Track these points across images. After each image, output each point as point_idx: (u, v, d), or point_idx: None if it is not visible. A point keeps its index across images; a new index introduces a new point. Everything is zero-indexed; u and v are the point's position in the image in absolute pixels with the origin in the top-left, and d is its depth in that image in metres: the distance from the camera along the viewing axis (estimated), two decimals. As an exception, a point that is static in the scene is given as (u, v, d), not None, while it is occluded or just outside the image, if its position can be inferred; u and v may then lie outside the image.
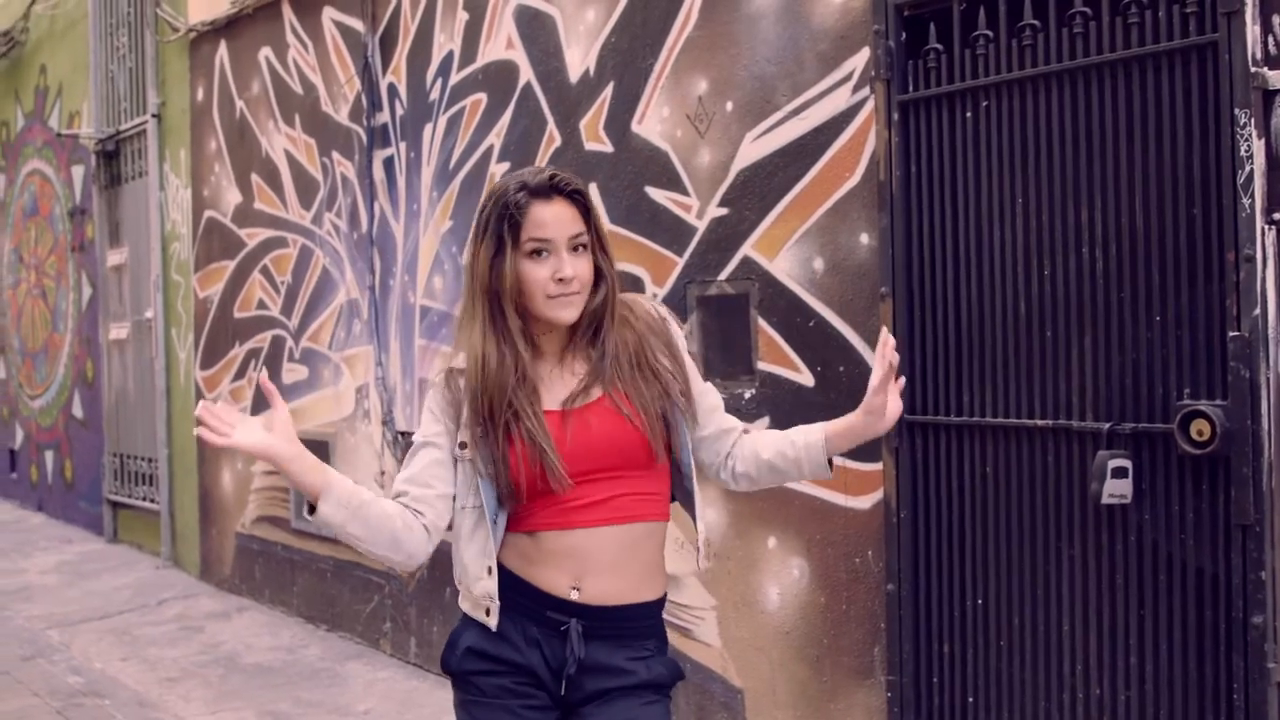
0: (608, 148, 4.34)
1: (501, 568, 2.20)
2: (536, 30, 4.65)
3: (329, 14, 5.92)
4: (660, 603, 2.28)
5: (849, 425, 2.25)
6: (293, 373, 6.35)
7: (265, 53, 6.49)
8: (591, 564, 2.17)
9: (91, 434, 8.97)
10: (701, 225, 3.99)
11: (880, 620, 3.44)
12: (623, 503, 2.18)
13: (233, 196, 6.85)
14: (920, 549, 3.32)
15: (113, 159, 8.45)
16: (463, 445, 2.19)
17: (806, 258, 3.64)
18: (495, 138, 4.87)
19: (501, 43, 4.83)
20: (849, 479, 3.53)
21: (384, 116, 5.57)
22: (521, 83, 4.73)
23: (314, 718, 4.84)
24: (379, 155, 5.61)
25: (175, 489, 7.71)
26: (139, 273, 8.10)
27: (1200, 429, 2.67)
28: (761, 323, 3.80)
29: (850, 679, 3.55)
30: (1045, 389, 3.02)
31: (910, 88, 3.29)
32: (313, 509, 2.09)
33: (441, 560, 5.06)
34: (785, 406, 3.72)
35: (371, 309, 5.66)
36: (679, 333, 2.31)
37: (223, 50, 6.92)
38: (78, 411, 9.28)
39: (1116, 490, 2.79)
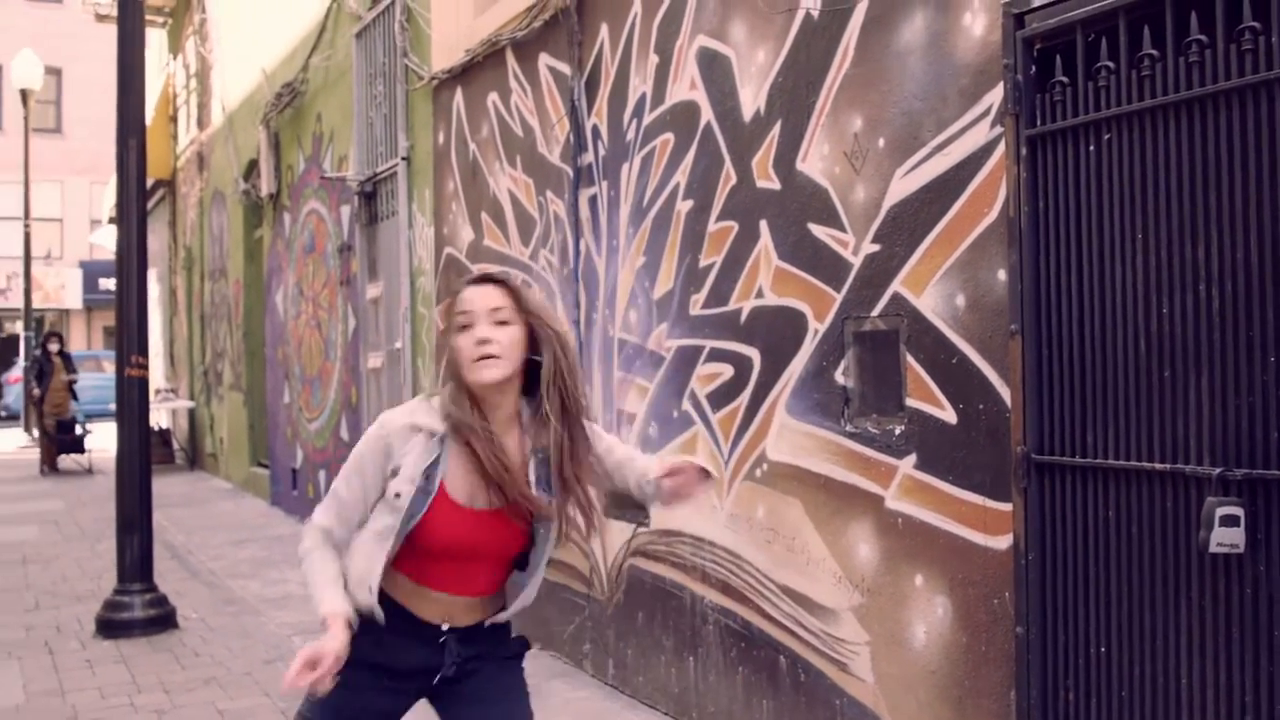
0: (776, 185, 4.41)
1: (383, 592, 2.62)
2: (715, 71, 4.77)
3: (544, 60, 6.20)
4: (502, 609, 2.75)
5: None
6: (515, 401, 6.64)
7: (493, 97, 6.84)
8: (458, 612, 2.66)
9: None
10: (857, 261, 4.01)
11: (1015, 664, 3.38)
12: (488, 580, 2.68)
13: (467, 234, 7.24)
14: (1048, 592, 3.24)
15: (371, 199, 9.05)
16: (398, 495, 2.58)
17: (950, 294, 3.61)
18: (681, 176, 5.01)
19: (686, 84, 4.97)
20: (988, 518, 3.49)
21: (588, 157, 5.80)
22: (703, 122, 4.86)
23: None
24: (584, 194, 5.84)
25: (420, 509, 8.15)
26: (392, 305, 8.63)
27: (1312, 477, 2.53)
28: (910, 359, 3.79)
29: (988, 722, 3.49)
30: (1163, 431, 2.91)
31: (1038, 122, 3.24)
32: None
33: (635, 587, 5.23)
34: (931, 443, 3.70)
35: (577, 341, 5.89)
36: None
37: (459, 96, 7.33)
38: (345, 435, 9.92)
39: (1226, 539, 2.68)
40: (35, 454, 16.99)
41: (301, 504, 11.27)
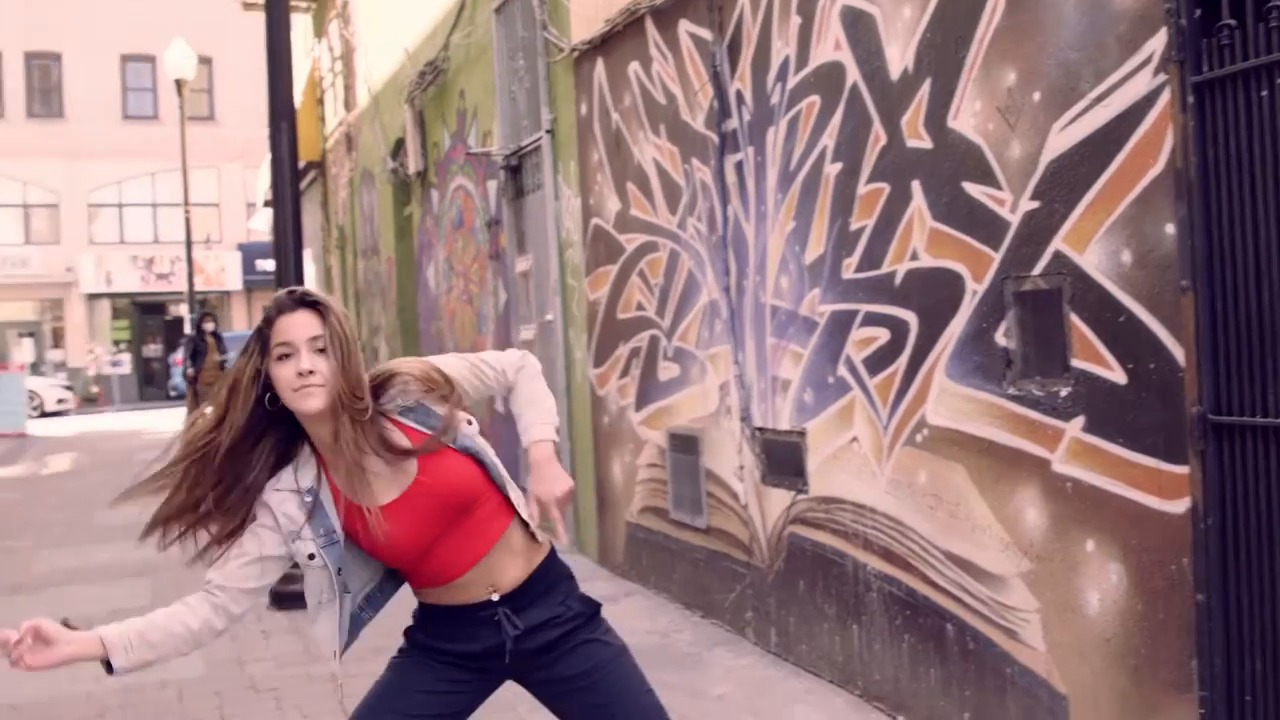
0: (927, 144, 4.31)
1: (426, 604, 2.73)
2: (860, 30, 4.68)
3: (684, 26, 6.16)
4: (550, 554, 2.75)
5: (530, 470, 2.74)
6: (667, 370, 6.65)
7: (634, 67, 6.82)
8: (490, 578, 2.64)
9: (509, 426, 9.67)
10: (1015, 220, 3.90)
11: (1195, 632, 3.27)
12: (477, 537, 2.62)
13: (613, 204, 7.25)
14: (1230, 558, 3.13)
15: (517, 173, 9.11)
16: (311, 556, 2.59)
17: (1114, 250, 3.49)
18: (828, 139, 4.93)
19: (830, 44, 4.88)
20: (1162, 481, 3.37)
21: (733, 122, 5.74)
22: (849, 83, 4.77)
23: (669, 698, 4.99)
24: (730, 160, 5.79)
25: (576, 478, 8.23)
26: (541, 278, 8.70)
27: None
28: (1074, 319, 3.67)
29: (1168, 692, 3.39)
30: (1352, 389, 2.78)
31: (1205, 68, 3.10)
32: (110, 669, 2.46)
33: (795, 554, 5.20)
34: (1099, 405, 3.59)
35: (728, 309, 5.86)
36: (436, 363, 2.70)
37: (600, 67, 7.32)
38: (499, 407, 10.05)
39: None
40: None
41: (460, 475, 11.46)
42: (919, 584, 4.47)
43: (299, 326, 2.53)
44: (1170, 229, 3.27)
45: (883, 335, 4.62)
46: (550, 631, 2.69)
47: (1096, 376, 3.60)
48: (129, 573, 8.32)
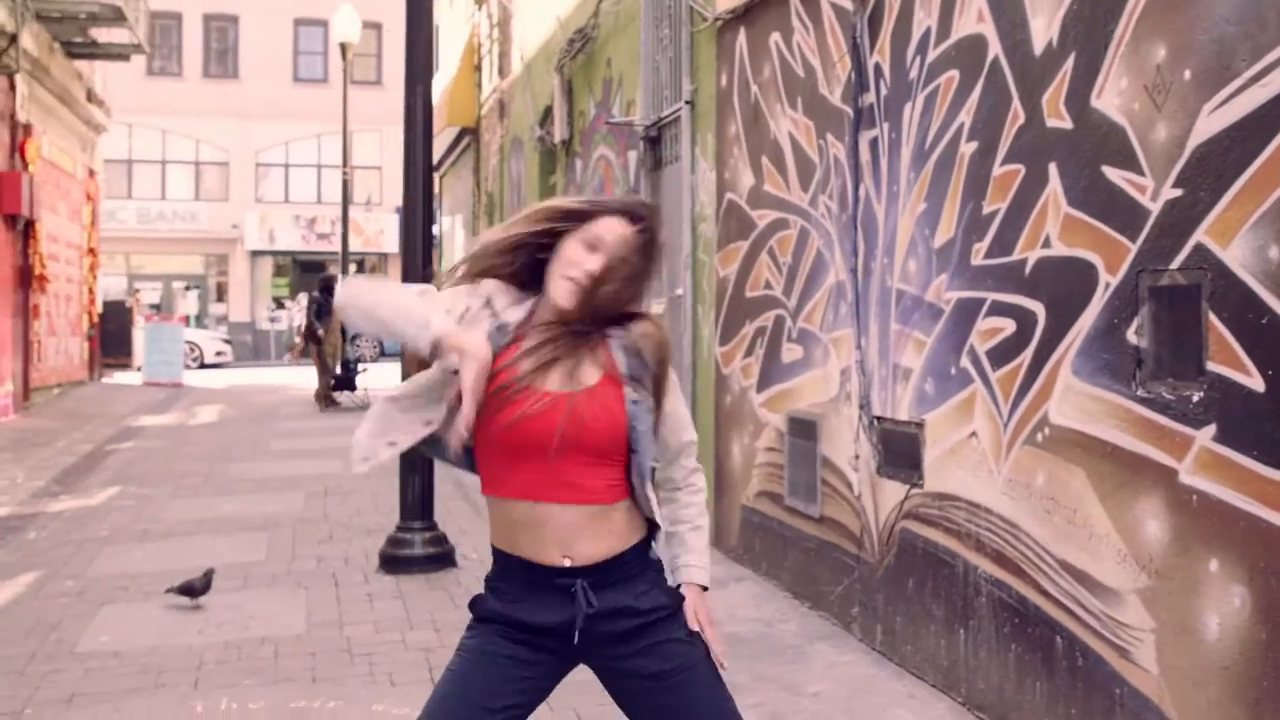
0: (1067, 124, 4.03)
1: (494, 548, 2.55)
2: (1004, 1, 4.40)
3: (827, -4, 5.93)
4: (642, 542, 2.54)
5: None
6: (790, 352, 6.44)
7: (775, 38, 6.60)
8: (570, 536, 2.44)
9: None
10: (1155, 208, 3.61)
11: (1324, 667, 2.97)
12: (571, 483, 2.43)
13: (747, 179, 7.05)
14: (1367, 589, 2.82)
15: (656, 144, 8.96)
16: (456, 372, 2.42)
17: (1261, 245, 3.19)
18: (965, 116, 4.67)
19: (973, 16, 4.62)
20: (1298, 500, 3.07)
21: (870, 97, 5.50)
22: (990, 57, 4.50)
23: (763, 692, 4.91)
24: (865, 136, 5.55)
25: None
26: (674, 252, 8.51)
27: None
28: (1212, 318, 3.38)
29: (1290, 729, 3.10)
30: None
31: (1374, 46, 2.79)
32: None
33: (906, 551, 4.97)
34: (1234, 413, 3.29)
35: (854, 291, 5.62)
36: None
37: (742, 37, 7.12)
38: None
39: None
40: (347, 392, 17.90)
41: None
42: (1030, 591, 4.20)
43: (622, 241, 2.48)
44: (1324, 223, 2.97)
45: (1009, 326, 4.36)
46: (624, 621, 2.50)
47: (1233, 382, 3.30)
48: (250, 527, 8.44)
